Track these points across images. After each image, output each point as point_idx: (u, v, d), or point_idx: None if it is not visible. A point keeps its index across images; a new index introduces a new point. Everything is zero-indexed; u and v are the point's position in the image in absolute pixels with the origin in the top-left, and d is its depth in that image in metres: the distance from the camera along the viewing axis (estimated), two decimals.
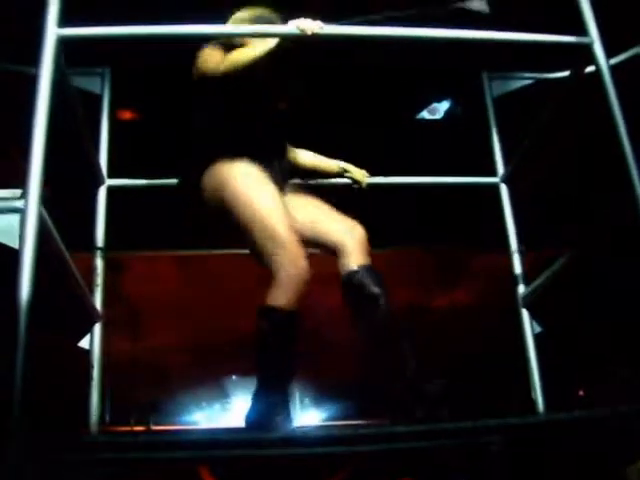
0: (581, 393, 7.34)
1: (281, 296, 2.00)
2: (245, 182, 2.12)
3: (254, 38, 2.21)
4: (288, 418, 1.94)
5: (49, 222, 1.66)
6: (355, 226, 2.25)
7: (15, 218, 1.55)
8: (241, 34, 2.20)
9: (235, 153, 2.17)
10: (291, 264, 2.00)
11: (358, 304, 2.15)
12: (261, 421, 1.92)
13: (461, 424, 1.55)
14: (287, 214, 2.12)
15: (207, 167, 2.20)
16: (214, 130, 2.24)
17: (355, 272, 2.15)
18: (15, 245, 1.52)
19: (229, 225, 2.15)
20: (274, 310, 2.00)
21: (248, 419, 1.97)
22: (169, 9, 2.75)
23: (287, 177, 2.35)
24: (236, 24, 2.29)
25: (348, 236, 2.21)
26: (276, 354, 2.01)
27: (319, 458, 1.53)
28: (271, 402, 1.95)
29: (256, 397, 1.99)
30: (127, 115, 4.28)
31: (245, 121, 2.23)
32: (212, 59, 2.17)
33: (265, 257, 2.05)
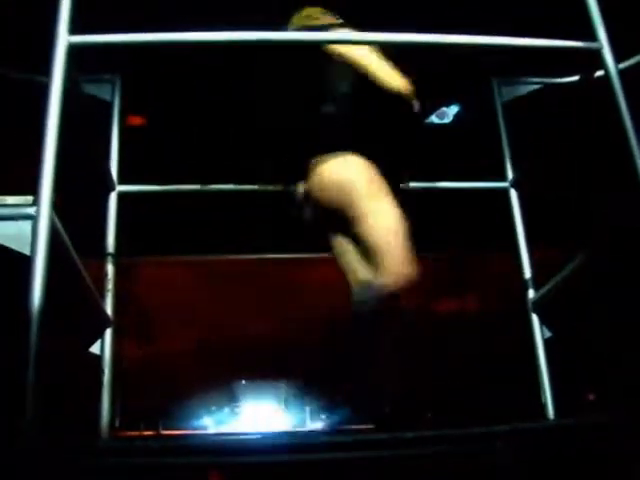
0: (591, 397, 7.30)
1: (392, 279, 2.00)
2: (374, 188, 2.11)
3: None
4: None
5: (60, 228, 1.67)
6: None
7: (27, 224, 1.56)
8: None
9: (360, 154, 2.16)
10: (406, 263, 2.02)
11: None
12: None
13: (469, 430, 1.54)
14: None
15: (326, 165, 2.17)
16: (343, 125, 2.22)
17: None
18: (27, 251, 1.53)
19: (337, 224, 2.19)
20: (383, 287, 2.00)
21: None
22: (176, 15, 2.77)
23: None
24: (315, 17, 2.27)
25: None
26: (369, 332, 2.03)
27: (329, 463, 1.53)
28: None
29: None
30: (137, 121, 4.29)
31: (374, 121, 2.25)
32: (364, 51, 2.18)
33: (382, 249, 2.05)
